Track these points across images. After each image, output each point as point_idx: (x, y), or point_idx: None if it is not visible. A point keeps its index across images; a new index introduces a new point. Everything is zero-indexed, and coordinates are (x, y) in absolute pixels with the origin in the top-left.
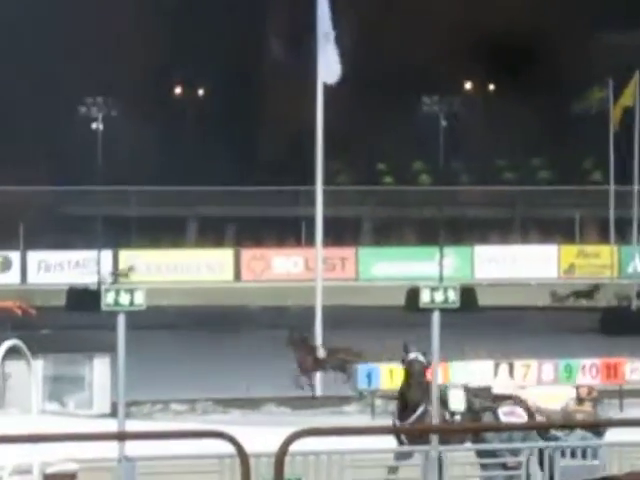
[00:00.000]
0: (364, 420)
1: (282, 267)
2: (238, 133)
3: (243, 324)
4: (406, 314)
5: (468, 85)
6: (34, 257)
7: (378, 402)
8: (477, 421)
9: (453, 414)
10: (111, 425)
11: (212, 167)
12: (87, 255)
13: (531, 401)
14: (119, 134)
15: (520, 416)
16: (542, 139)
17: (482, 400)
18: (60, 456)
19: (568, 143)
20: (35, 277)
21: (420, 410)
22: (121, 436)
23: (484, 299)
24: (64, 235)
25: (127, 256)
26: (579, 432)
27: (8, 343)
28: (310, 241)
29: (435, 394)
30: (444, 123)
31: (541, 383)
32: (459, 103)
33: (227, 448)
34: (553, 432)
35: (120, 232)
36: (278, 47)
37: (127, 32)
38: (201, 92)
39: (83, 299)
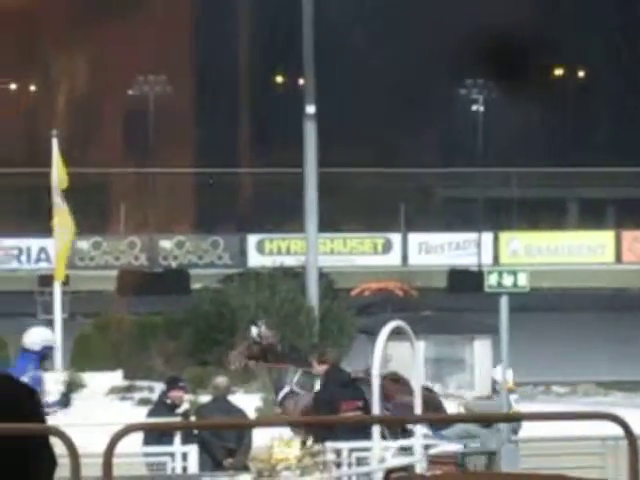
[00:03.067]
0: None
1: None
2: (620, 114)
3: (624, 307)
4: None
5: None
6: (415, 239)
7: None
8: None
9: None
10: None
11: (593, 148)
12: (468, 237)
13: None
14: (500, 116)
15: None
16: None
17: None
18: None
19: None
20: (416, 258)
21: (282, 393)
22: (510, 418)
23: None
24: (445, 217)
25: (507, 238)
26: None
27: (393, 324)
28: None
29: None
30: None
31: None
32: None
33: (612, 430)
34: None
35: (501, 214)
36: None
37: (506, 12)
38: (582, 74)
39: (464, 281)
